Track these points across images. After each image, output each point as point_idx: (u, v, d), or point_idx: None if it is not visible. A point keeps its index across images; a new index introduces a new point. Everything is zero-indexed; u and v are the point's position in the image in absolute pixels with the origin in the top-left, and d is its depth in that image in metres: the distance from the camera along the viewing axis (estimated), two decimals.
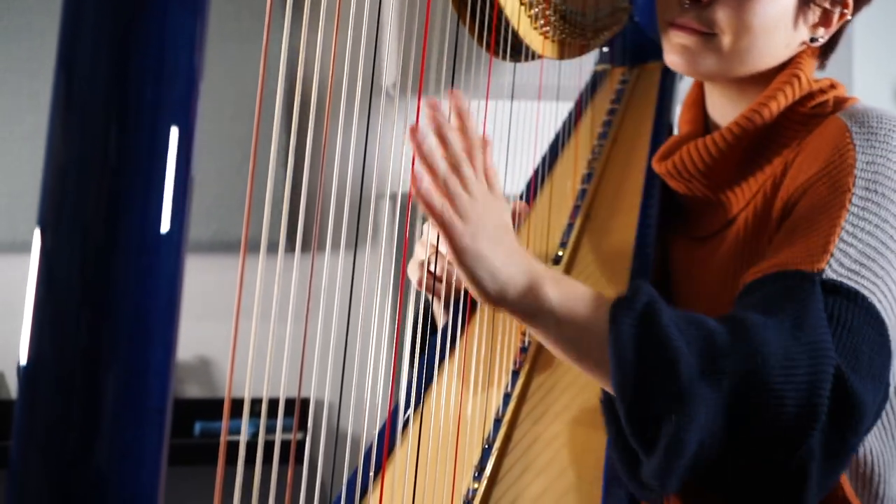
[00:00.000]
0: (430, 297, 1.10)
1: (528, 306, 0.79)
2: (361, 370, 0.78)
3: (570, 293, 0.79)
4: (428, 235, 1.02)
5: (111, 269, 0.32)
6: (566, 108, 1.37)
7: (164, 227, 0.33)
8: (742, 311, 0.81)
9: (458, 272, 0.78)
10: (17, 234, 2.50)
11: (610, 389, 0.77)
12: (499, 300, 0.78)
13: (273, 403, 0.63)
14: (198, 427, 2.56)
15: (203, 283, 2.55)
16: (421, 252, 1.03)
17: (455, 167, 0.78)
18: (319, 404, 2.48)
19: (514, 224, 1.07)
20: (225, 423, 0.56)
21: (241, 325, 0.53)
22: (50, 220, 0.31)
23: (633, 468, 0.78)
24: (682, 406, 0.72)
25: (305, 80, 0.62)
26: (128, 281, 0.32)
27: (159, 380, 0.34)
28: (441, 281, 1.04)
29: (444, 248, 1.01)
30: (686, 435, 0.72)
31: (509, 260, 0.78)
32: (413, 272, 1.04)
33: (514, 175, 1.18)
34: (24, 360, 0.31)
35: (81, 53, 0.32)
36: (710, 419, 0.74)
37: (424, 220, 1.01)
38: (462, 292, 1.06)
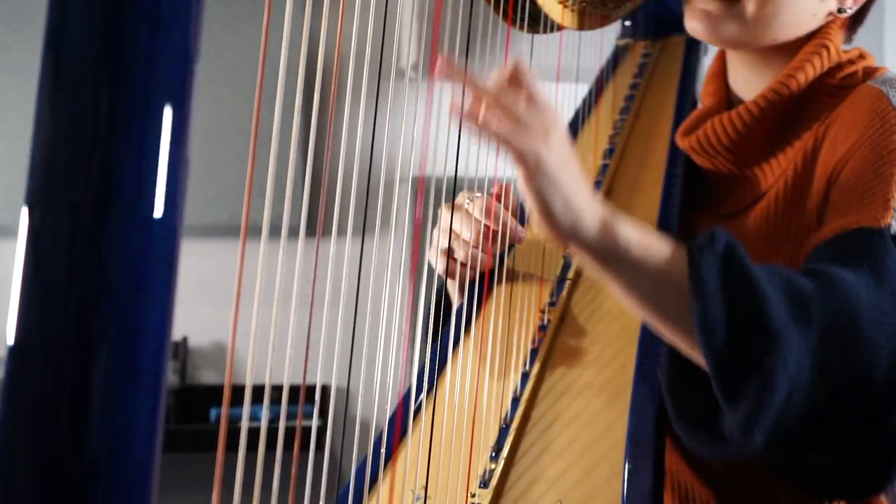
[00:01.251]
0: (449, 281, 1.07)
1: (602, 245, 0.72)
2: (375, 355, 0.76)
3: (645, 234, 0.73)
4: (448, 222, 0.99)
5: (101, 249, 0.30)
6: (585, 89, 1.33)
7: (158, 208, 0.32)
8: (819, 265, 0.77)
9: (526, 200, 0.72)
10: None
11: (684, 339, 0.72)
12: (572, 234, 0.71)
13: (291, 390, 0.61)
14: (213, 413, 2.55)
15: (219, 269, 2.53)
16: (443, 240, 1.00)
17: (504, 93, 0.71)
18: (336, 391, 2.46)
19: (510, 246, 1.05)
20: (225, 410, 0.54)
21: (257, 311, 0.52)
22: (38, 199, 0.30)
23: (700, 426, 0.74)
24: (773, 348, 0.67)
25: (310, 62, 0.59)
26: (118, 263, 0.30)
27: (152, 379, 0.32)
28: (466, 265, 1.01)
29: (465, 233, 1.00)
30: (776, 380, 0.67)
31: (581, 187, 0.72)
32: (437, 260, 1.01)
33: None
34: (11, 340, 0.30)
35: (71, 30, 0.31)
36: (800, 367, 0.69)
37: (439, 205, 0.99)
38: (480, 274, 1.04)
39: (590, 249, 0.73)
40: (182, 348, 2.72)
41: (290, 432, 0.59)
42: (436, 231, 1.00)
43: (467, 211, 1.00)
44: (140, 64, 0.31)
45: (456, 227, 0.99)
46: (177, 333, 2.89)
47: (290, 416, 0.54)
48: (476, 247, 0.99)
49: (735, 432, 0.70)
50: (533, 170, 0.70)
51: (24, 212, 0.31)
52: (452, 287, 1.06)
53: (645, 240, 0.73)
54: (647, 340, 0.89)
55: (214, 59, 2.70)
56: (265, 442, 0.54)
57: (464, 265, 1.00)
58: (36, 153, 0.31)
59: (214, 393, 2.61)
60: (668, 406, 0.78)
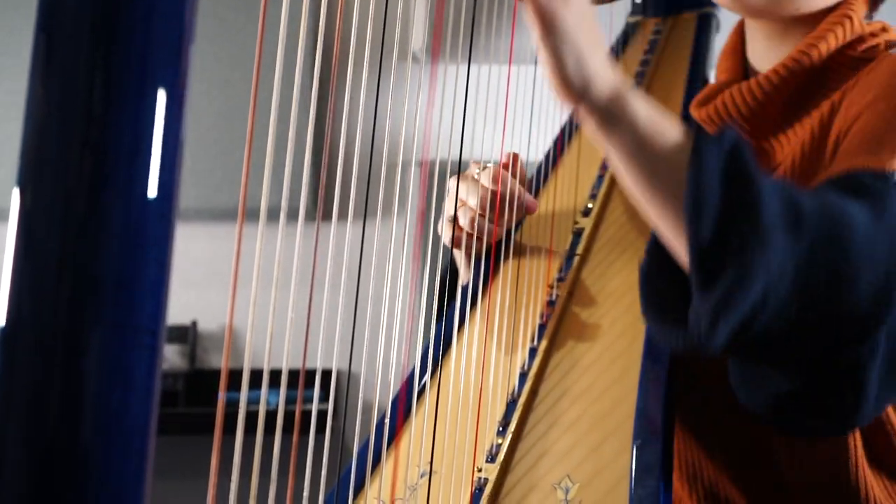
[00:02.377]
0: (456, 253, 1.06)
1: (610, 109, 0.72)
2: (380, 336, 0.75)
3: (655, 112, 0.74)
4: (455, 190, 0.98)
5: (93, 232, 0.30)
6: None
7: (152, 189, 0.31)
8: (821, 191, 0.76)
9: (540, 57, 0.72)
10: None
11: (669, 224, 0.72)
12: (581, 93, 0.71)
13: (300, 374, 0.61)
14: (241, 397, 2.56)
15: (229, 253, 2.53)
16: (450, 208, 0.99)
17: None
18: (343, 374, 2.45)
19: (519, 219, 1.04)
20: (222, 395, 0.53)
21: (265, 294, 0.52)
22: (30, 181, 0.30)
23: (668, 313, 0.74)
24: (759, 244, 0.67)
25: (313, 43, 0.58)
26: (111, 246, 0.30)
27: (147, 356, 0.31)
28: (472, 235, 1.00)
29: (472, 200, 0.99)
30: (754, 274, 0.67)
31: (597, 51, 0.72)
32: (444, 229, 1.00)
33: (538, 142, 1.15)
34: (1, 323, 0.30)
35: (64, 9, 0.30)
36: (782, 272, 0.68)
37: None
38: (488, 248, 1.03)
39: (597, 113, 0.73)
40: (191, 332, 2.72)
41: (301, 416, 0.59)
42: (447, 200, 1.00)
43: (474, 178, 0.99)
44: (134, 44, 0.31)
45: (462, 194, 0.99)
46: (186, 318, 2.89)
47: (296, 399, 0.54)
48: (483, 215, 0.99)
49: (702, 321, 0.69)
50: (549, 27, 0.70)
51: (15, 193, 0.30)
52: (460, 258, 1.05)
53: (655, 117, 0.73)
54: None
55: (224, 43, 2.69)
56: (282, 425, 0.56)
57: (470, 235, 0.99)
58: (28, 135, 0.30)
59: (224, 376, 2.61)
60: (640, 294, 0.78)
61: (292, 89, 0.56)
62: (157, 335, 0.32)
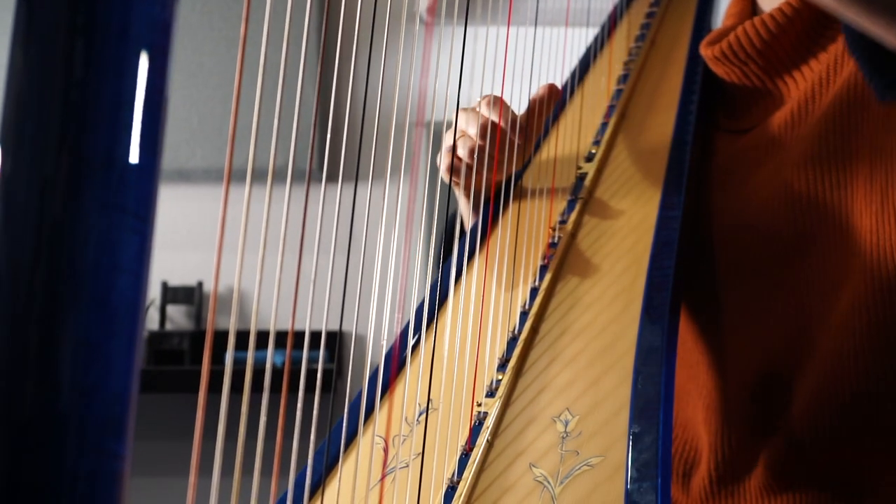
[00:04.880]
0: (458, 194, 1.07)
1: None
2: (382, 298, 0.76)
3: None
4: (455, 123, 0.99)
5: (73, 200, 0.29)
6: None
7: (134, 154, 0.30)
8: None
9: None
10: None
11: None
12: None
13: (306, 335, 0.61)
14: (227, 357, 2.59)
15: (235, 215, 2.54)
16: (449, 139, 0.99)
17: None
18: (346, 335, 2.47)
19: (545, 110, 1.03)
20: (230, 356, 0.53)
21: (272, 257, 0.52)
22: (9, 146, 0.29)
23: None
24: None
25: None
26: (90, 214, 0.29)
27: (128, 315, 0.30)
28: (472, 167, 1.00)
29: (471, 129, 0.99)
30: None
31: None
32: (441, 158, 1.00)
33: None
34: None
35: None
36: None
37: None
38: (488, 189, 1.03)
39: None
40: (197, 293, 2.74)
41: (307, 375, 0.60)
42: (447, 133, 1.00)
43: (475, 110, 0.99)
44: (115, 4, 0.30)
45: (462, 124, 0.98)
46: (192, 279, 2.91)
47: (309, 360, 0.54)
48: (482, 140, 0.99)
49: None
50: None
51: None
52: (461, 198, 1.05)
53: None
54: (659, 250, 0.89)
55: (232, 4, 2.69)
56: (321, 385, 0.55)
57: (470, 167, 0.99)
58: (8, 100, 0.30)
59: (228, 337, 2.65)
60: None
61: (300, 51, 0.56)
62: (132, 356, 0.31)
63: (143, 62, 0.31)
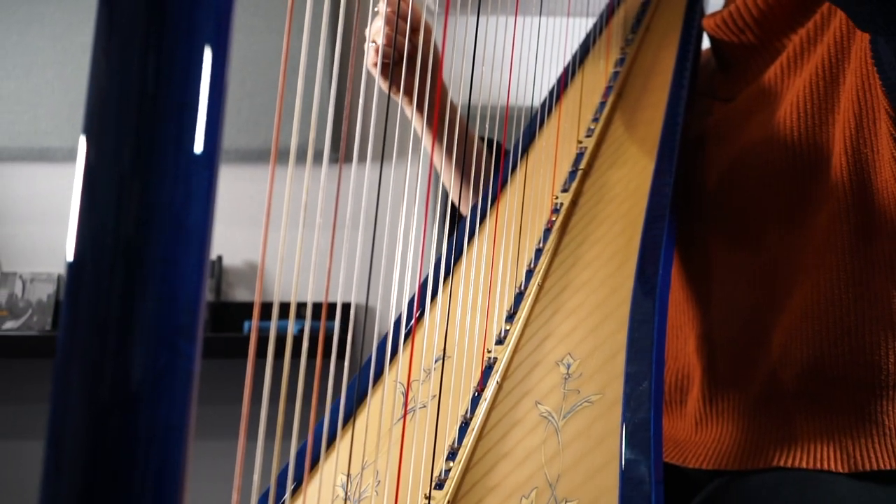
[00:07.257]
0: (406, 110, 1.17)
1: None
2: (395, 272, 0.81)
3: None
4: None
5: (147, 183, 0.33)
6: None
7: (198, 145, 0.34)
8: None
9: None
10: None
11: None
12: None
13: (319, 306, 0.65)
14: (246, 326, 2.71)
15: (253, 192, 2.62)
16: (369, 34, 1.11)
17: None
18: (359, 307, 2.55)
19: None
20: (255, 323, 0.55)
21: (289, 232, 0.54)
22: (93, 134, 0.33)
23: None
24: None
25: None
26: (161, 196, 0.33)
27: (192, 289, 0.34)
28: (399, 62, 1.11)
29: (379, 22, 1.09)
30: None
31: None
32: (367, 54, 1.12)
33: (543, 94, 1.23)
34: (70, 258, 0.33)
35: None
36: None
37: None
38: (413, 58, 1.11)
39: None
40: (217, 267, 2.84)
41: (316, 343, 0.64)
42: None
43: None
44: (184, 10, 0.33)
45: (377, 24, 1.11)
46: (212, 253, 2.97)
47: (318, 330, 0.57)
48: (389, 25, 1.10)
49: None
50: None
51: (82, 141, 0.34)
52: (406, 108, 1.17)
53: None
54: (652, 213, 0.98)
55: None
56: (337, 351, 0.58)
57: (387, 52, 1.11)
58: (92, 94, 0.33)
59: (248, 308, 2.75)
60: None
61: (319, 36, 0.58)
62: (201, 274, 0.35)
63: (208, 56, 0.34)
